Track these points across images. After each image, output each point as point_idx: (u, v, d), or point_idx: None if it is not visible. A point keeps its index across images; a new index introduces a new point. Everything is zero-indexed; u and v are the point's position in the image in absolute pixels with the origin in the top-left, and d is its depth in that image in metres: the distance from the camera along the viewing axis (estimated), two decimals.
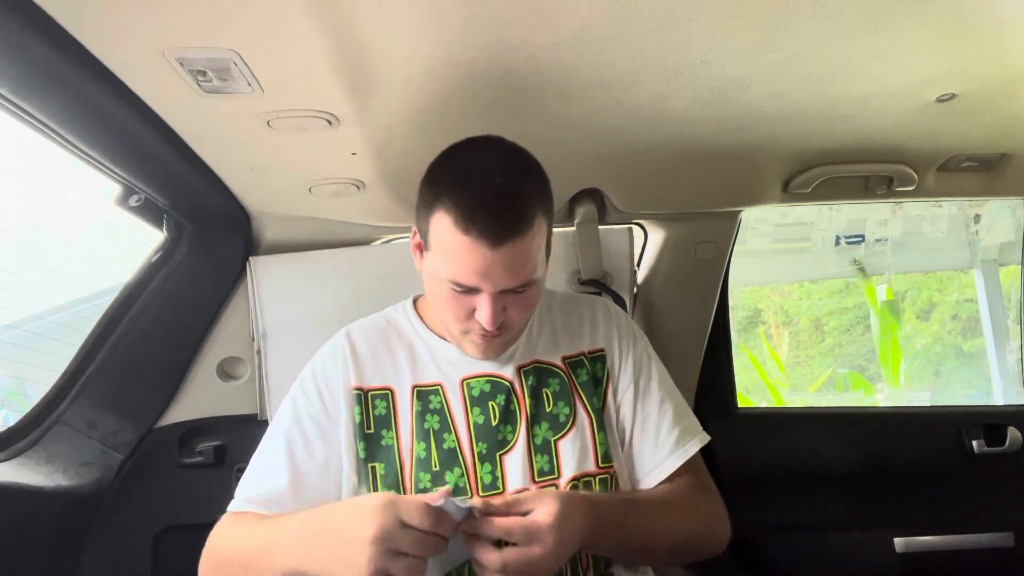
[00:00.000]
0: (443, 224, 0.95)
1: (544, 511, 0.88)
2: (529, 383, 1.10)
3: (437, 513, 0.85)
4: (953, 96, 1.24)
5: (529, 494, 0.93)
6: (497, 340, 1.05)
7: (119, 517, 1.57)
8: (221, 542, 1.03)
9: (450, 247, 0.95)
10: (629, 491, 1.11)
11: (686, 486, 1.10)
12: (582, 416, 1.10)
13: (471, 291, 0.98)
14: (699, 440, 1.14)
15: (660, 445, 1.11)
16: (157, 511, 1.60)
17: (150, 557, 1.60)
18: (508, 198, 0.94)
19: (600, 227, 1.69)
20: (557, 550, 0.88)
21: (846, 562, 1.82)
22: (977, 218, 4.55)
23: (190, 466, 1.64)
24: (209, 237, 1.60)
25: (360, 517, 0.85)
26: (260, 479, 1.07)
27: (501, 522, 0.88)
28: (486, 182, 0.94)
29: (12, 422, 1.50)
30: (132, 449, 1.61)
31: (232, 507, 1.07)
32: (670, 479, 1.11)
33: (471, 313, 1.01)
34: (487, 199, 0.93)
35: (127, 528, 1.58)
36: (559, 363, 1.14)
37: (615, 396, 1.15)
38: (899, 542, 1.80)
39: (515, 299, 1.01)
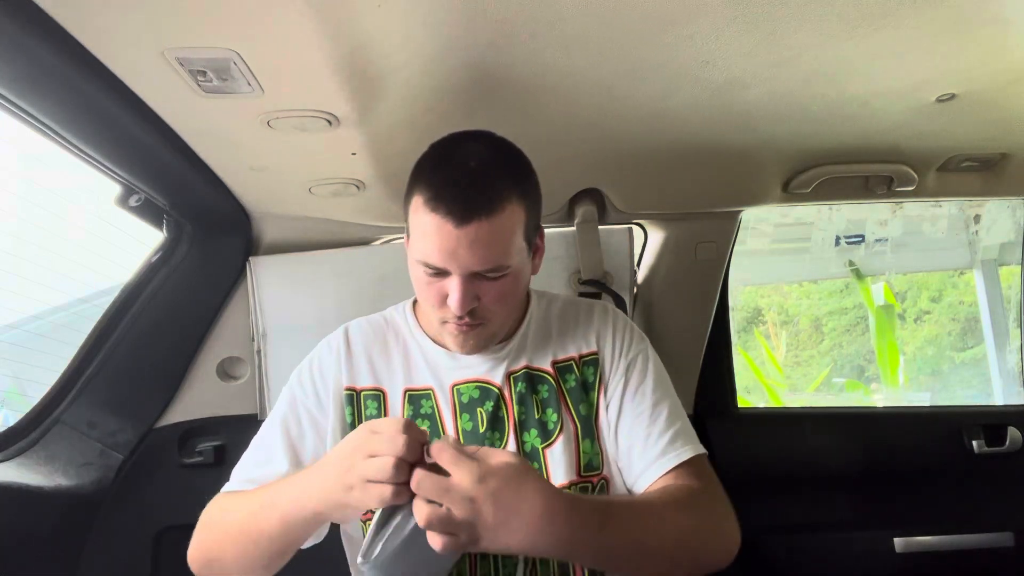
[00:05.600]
0: (416, 205, 0.97)
1: (464, 473, 0.80)
2: (518, 389, 1.09)
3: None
4: (953, 96, 1.24)
5: (484, 451, 0.84)
6: (474, 331, 1.03)
7: (119, 517, 1.57)
8: (219, 512, 1.04)
9: (420, 226, 0.96)
10: (610, 496, 1.06)
11: (683, 487, 1.02)
12: (568, 424, 1.08)
13: (441, 273, 0.98)
14: (692, 448, 1.05)
15: (650, 446, 1.05)
16: (157, 511, 1.60)
17: (150, 557, 1.60)
18: (479, 178, 0.95)
19: (600, 227, 1.69)
20: (483, 518, 0.79)
21: (846, 562, 1.82)
22: (977, 218, 4.55)
23: (190, 466, 1.64)
24: (209, 237, 1.60)
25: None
26: (262, 464, 1.08)
27: (426, 478, 0.81)
28: (459, 164, 0.96)
29: (12, 422, 1.50)
30: (132, 449, 1.61)
31: (229, 488, 1.08)
32: (666, 482, 1.03)
33: (444, 298, 1.00)
34: (456, 178, 0.95)
35: (127, 528, 1.58)
36: (549, 368, 1.12)
37: (606, 397, 1.11)
38: (899, 542, 1.80)
39: (488, 286, 0.99)
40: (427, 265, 0.98)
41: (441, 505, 0.79)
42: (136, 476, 1.61)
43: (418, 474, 0.81)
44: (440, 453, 0.82)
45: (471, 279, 0.98)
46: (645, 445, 1.06)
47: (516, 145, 1.04)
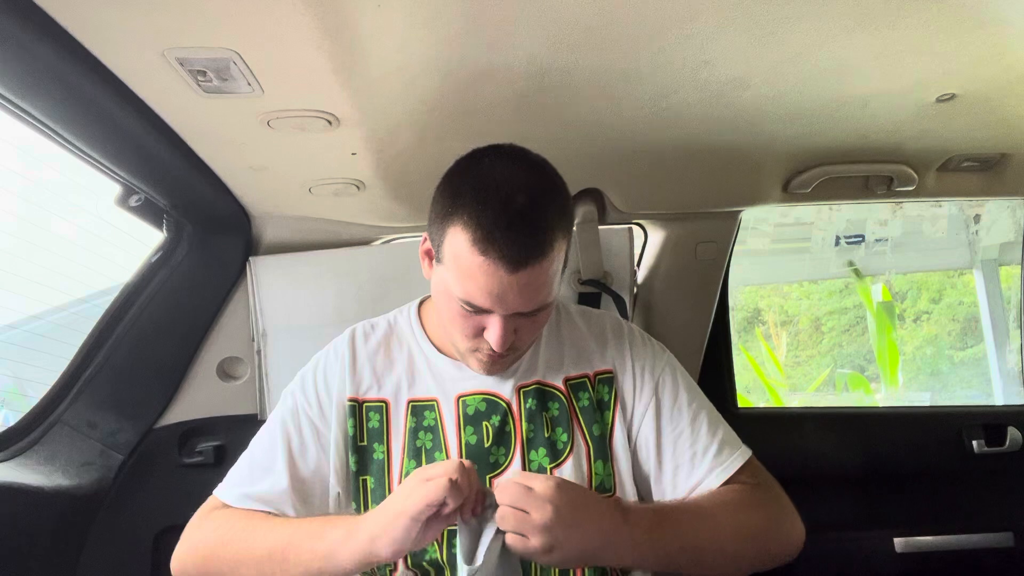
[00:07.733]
0: (459, 240, 0.91)
1: (542, 483, 0.87)
2: (528, 405, 1.06)
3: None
4: (953, 96, 1.24)
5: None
6: (504, 359, 1.02)
7: (119, 517, 1.57)
8: (221, 534, 1.01)
9: (465, 266, 0.91)
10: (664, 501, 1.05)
11: (738, 488, 1.03)
12: (580, 444, 1.05)
13: (482, 311, 0.95)
14: (741, 454, 1.06)
15: (698, 464, 1.05)
16: (157, 511, 1.60)
17: (150, 557, 1.60)
18: (530, 221, 0.89)
19: (600, 227, 1.69)
20: (562, 519, 0.84)
21: (846, 562, 1.82)
22: (977, 218, 4.54)
23: (190, 466, 1.64)
24: (209, 237, 1.60)
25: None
26: (260, 476, 1.06)
27: (509, 483, 0.87)
28: (507, 200, 0.89)
29: (12, 422, 1.50)
30: (132, 449, 1.61)
31: (227, 498, 1.06)
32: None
33: (480, 332, 0.97)
34: (508, 220, 0.88)
35: (127, 528, 1.58)
36: (561, 385, 1.09)
37: (629, 421, 1.09)
38: (899, 542, 1.80)
39: (527, 321, 0.97)
40: (469, 304, 0.94)
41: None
42: (136, 476, 1.61)
43: (501, 482, 0.87)
44: (511, 476, 0.89)
45: (512, 317, 0.95)
46: (692, 464, 1.05)
47: (549, 162, 0.99)
